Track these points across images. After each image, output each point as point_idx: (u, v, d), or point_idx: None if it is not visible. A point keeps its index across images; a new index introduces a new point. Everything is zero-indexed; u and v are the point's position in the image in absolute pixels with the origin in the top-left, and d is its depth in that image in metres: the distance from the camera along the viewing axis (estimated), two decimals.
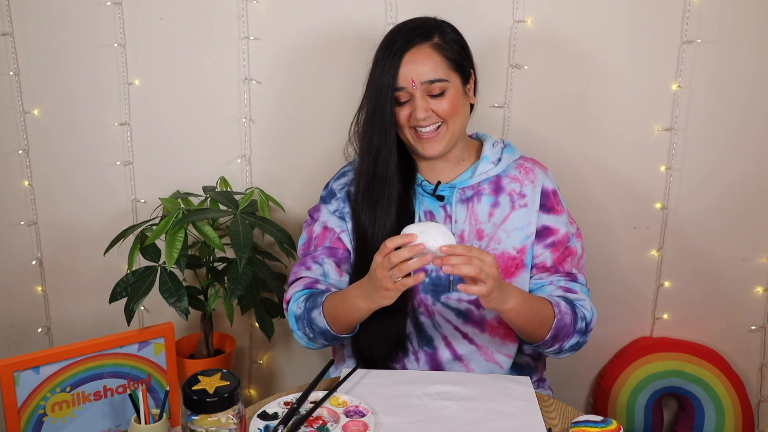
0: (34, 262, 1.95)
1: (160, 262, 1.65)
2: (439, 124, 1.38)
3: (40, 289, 1.98)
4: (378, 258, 1.21)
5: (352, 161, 1.49)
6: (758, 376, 1.86)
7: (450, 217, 1.42)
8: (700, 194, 1.76)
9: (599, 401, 1.89)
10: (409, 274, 1.20)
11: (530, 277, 1.42)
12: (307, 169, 1.84)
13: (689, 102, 1.70)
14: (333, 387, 1.28)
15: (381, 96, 1.35)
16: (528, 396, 1.27)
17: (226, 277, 1.69)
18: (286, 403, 1.23)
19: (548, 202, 1.44)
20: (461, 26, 1.43)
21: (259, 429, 1.16)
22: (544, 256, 1.41)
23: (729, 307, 1.83)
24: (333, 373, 1.47)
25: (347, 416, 1.19)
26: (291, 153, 1.85)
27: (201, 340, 1.83)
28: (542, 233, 1.42)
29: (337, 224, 1.46)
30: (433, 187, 1.44)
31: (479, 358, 1.41)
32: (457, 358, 1.41)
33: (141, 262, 1.80)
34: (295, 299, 1.41)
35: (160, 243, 1.70)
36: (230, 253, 1.79)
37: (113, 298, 1.62)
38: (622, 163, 1.76)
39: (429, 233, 1.18)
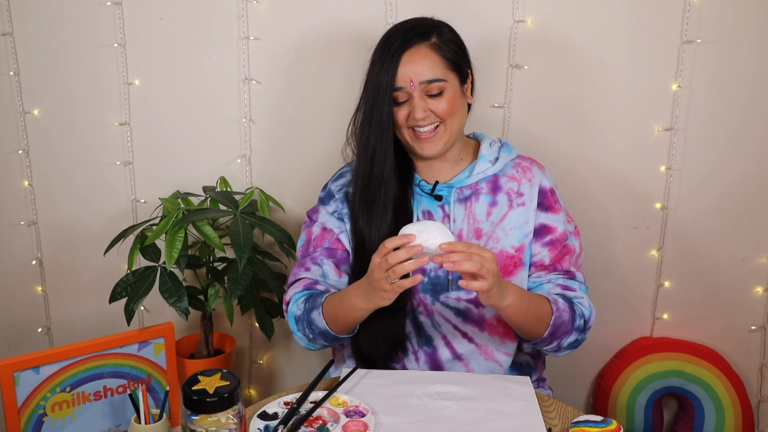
0: (34, 262, 1.95)
1: (160, 262, 1.65)
2: (438, 123, 1.38)
3: (40, 289, 1.98)
4: (376, 259, 1.21)
5: (350, 162, 1.49)
6: (758, 376, 1.86)
7: (448, 217, 1.42)
8: (699, 194, 1.76)
9: (599, 401, 1.89)
10: (407, 275, 1.20)
11: (528, 276, 1.42)
12: (307, 169, 1.84)
13: (689, 102, 1.70)
14: (333, 387, 1.28)
15: (379, 96, 1.35)
16: (528, 396, 1.27)
17: (226, 277, 1.69)
18: (286, 403, 1.23)
19: (546, 201, 1.44)
20: (461, 26, 1.43)
21: (259, 429, 1.16)
22: (542, 254, 1.41)
23: (729, 307, 1.83)
24: (333, 373, 1.47)
25: (347, 416, 1.19)
26: (291, 153, 1.85)
27: (201, 340, 1.83)
28: (540, 232, 1.42)
29: (335, 225, 1.46)
30: (431, 186, 1.44)
31: (479, 357, 1.41)
32: (457, 357, 1.41)
33: (141, 262, 1.80)
34: (294, 300, 1.41)
35: (160, 243, 1.70)
36: (230, 253, 1.79)
37: (113, 298, 1.62)
38: (621, 163, 1.76)
39: (428, 232, 1.19)
